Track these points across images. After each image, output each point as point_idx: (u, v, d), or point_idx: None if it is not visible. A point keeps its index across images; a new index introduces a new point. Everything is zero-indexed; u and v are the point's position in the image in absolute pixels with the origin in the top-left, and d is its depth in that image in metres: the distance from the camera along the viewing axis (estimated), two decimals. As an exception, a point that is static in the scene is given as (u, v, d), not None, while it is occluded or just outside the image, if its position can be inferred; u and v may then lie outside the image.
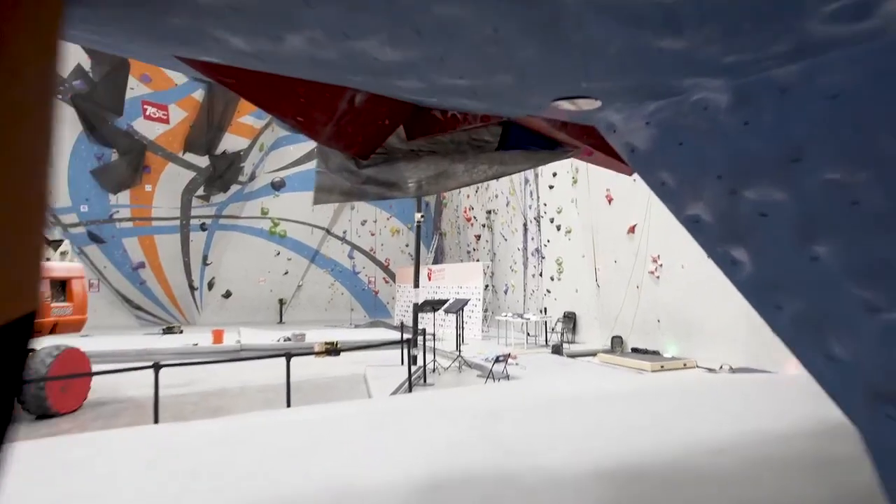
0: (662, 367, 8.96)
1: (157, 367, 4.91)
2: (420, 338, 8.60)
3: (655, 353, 9.92)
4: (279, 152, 18.79)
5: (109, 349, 10.59)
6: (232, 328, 14.91)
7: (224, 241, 18.44)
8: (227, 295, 18.57)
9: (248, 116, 15.81)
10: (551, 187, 13.40)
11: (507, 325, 12.24)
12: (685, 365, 9.10)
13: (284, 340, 12.06)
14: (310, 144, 19.15)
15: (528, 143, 2.35)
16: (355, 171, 2.33)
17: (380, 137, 2.27)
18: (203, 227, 17.83)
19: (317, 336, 12.42)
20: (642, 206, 10.22)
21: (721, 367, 8.17)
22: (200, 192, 17.12)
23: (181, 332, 14.24)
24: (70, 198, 15.60)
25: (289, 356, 5.61)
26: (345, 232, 20.09)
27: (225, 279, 18.54)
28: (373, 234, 20.44)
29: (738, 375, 7.57)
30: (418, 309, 9.14)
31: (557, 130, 2.16)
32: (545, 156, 2.48)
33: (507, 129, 2.39)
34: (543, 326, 12.35)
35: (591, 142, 2.18)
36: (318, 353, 11.10)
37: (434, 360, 9.11)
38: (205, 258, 18.09)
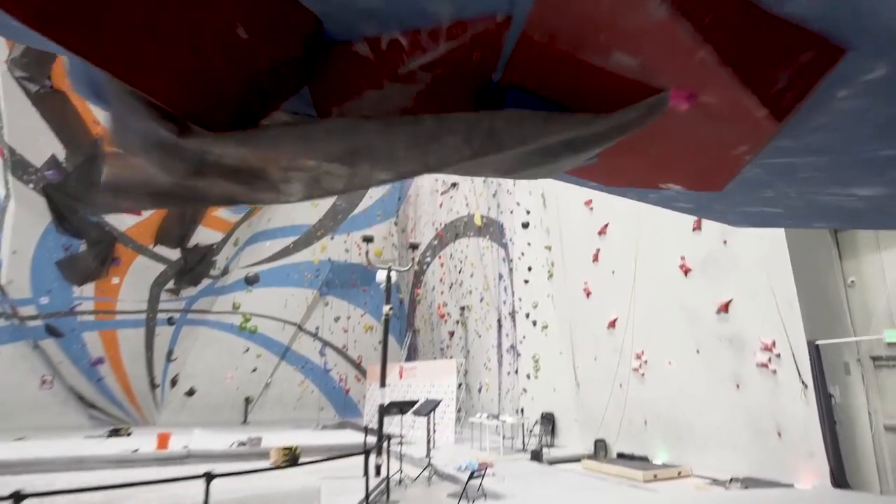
0: (655, 476, 7.46)
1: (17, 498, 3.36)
2: (386, 443, 7.05)
3: (643, 458, 8.42)
4: (255, 247, 17.63)
5: (34, 456, 8.72)
6: (189, 429, 12.97)
7: (192, 336, 16.72)
8: (191, 393, 16.56)
9: (223, 211, 14.80)
10: (526, 282, 12.33)
11: (481, 428, 10.64)
12: (679, 474, 7.61)
13: (238, 445, 10.23)
14: (287, 240, 18.10)
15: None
16: (183, 150, 1.13)
17: (254, 87, 1.14)
18: (170, 322, 16.19)
19: (277, 439, 10.61)
20: (624, 299, 9.13)
21: (731, 482, 6.70)
22: (170, 285, 15.69)
23: (129, 434, 12.22)
24: (31, 289, 14.03)
25: (209, 478, 4.09)
26: (317, 328, 18.54)
27: (190, 376, 16.62)
28: (346, 331, 18.90)
29: (751, 492, 6.14)
30: (384, 411, 7.64)
31: (626, 52, 1.04)
32: (583, 122, 1.21)
33: (503, 93, 1.29)
34: (521, 428, 10.76)
35: (697, 77, 1.06)
36: (274, 462, 9.31)
37: (400, 471, 7.48)
38: (170, 353, 16.28)
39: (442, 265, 17.06)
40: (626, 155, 1.42)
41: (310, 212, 18.58)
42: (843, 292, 6.95)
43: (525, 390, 11.94)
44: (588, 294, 10.20)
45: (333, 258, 18.81)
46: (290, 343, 18.17)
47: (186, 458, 9.49)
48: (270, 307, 17.84)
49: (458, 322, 15.83)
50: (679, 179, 1.65)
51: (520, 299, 12.57)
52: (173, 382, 16.35)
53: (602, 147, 1.22)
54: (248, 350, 17.45)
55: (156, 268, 15.11)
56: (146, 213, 13.83)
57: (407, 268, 12.25)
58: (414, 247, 9.76)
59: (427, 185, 18.25)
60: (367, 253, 9.40)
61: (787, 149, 1.34)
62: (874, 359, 6.61)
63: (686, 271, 8.03)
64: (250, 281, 17.64)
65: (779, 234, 6.67)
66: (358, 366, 18.90)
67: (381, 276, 8.81)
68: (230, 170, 1.21)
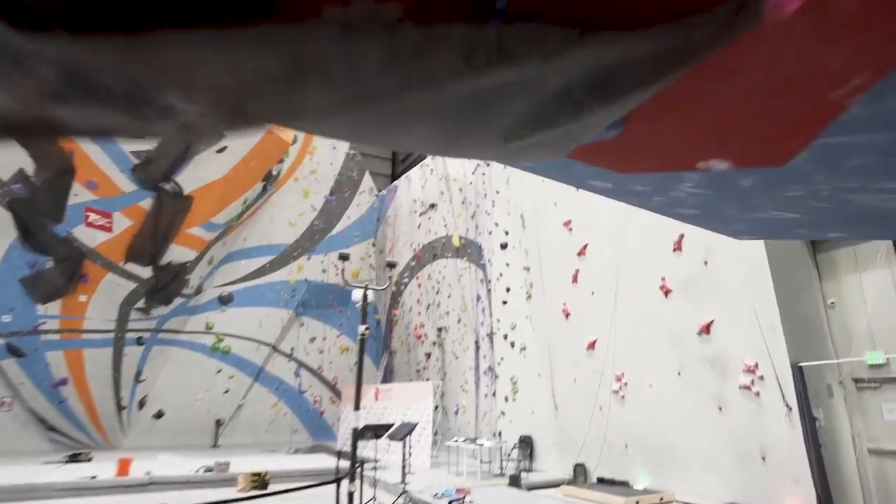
0: (637, 502, 7.11)
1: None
2: (359, 469, 6.57)
3: (624, 483, 8.06)
4: (230, 266, 17.01)
5: (-19, 484, 7.97)
6: (156, 453, 12.20)
7: (162, 357, 15.93)
8: (159, 415, 15.72)
9: (198, 228, 14.24)
10: (505, 303, 12.02)
11: (458, 452, 10.17)
12: (661, 499, 7.27)
13: (205, 471, 9.57)
14: (262, 259, 17.54)
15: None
16: (30, 58, 0.73)
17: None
18: (140, 342, 15.41)
19: (247, 464, 9.99)
20: (604, 321, 8.86)
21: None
22: (141, 304, 14.95)
23: (90, 459, 11.40)
24: (-7, 307, 13.22)
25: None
26: (292, 349, 17.88)
27: (158, 398, 15.79)
28: (321, 352, 18.27)
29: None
30: (358, 436, 7.17)
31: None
32: (634, 39, 0.82)
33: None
34: (498, 452, 10.33)
35: None
36: (241, 489, 8.71)
37: (374, 498, 7.00)
38: (138, 374, 15.46)
39: (419, 286, 16.67)
40: (664, 116, 1.11)
41: (287, 231, 18.07)
42: (823, 314, 6.79)
43: (503, 413, 11.53)
44: (567, 315, 9.93)
45: (310, 278, 18.27)
46: (263, 364, 17.47)
47: (148, 485, 8.81)
48: (245, 327, 17.17)
49: (435, 343, 15.39)
50: (730, 151, 1.34)
51: (498, 320, 12.24)
52: (141, 404, 15.50)
53: (650, 87, 0.90)
54: (220, 371, 16.70)
55: (126, 286, 14.40)
56: (117, 230, 13.21)
57: (384, 286, 11.83)
58: (391, 265, 9.38)
59: (406, 206, 17.95)
60: (342, 271, 8.98)
61: (856, 120, 1.05)
62: (856, 381, 6.42)
63: (666, 292, 7.81)
64: (224, 300, 16.98)
65: (760, 253, 6.49)
66: (333, 387, 18.24)
67: (356, 294, 8.39)
68: (108, 91, 0.85)
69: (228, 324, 16.93)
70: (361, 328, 8.13)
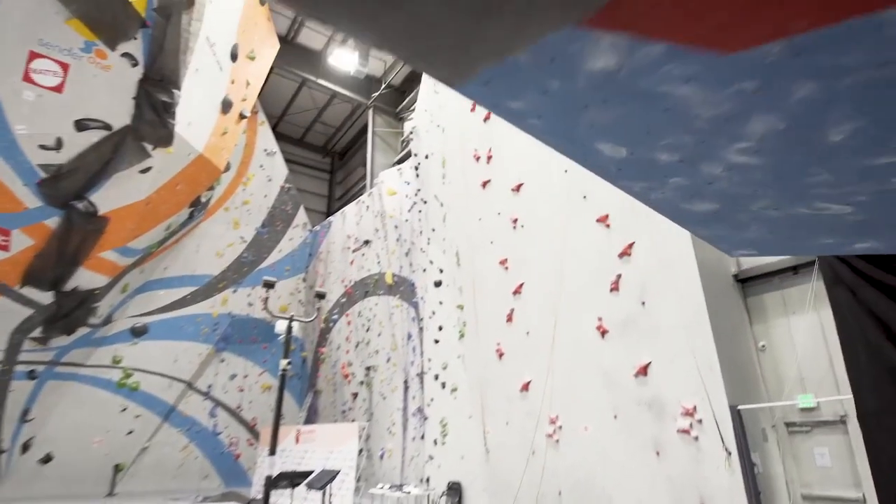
0: (573, 557, 6.37)
1: None
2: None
3: (557, 534, 7.32)
4: (146, 296, 15.19)
5: None
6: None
7: (57, 393, 13.71)
8: (47, 459, 13.37)
9: (111, 252, 12.56)
10: (437, 341, 11.24)
11: (382, 500, 9.07)
12: (597, 552, 6.58)
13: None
14: (184, 290, 15.84)
15: None
16: None
17: None
18: (32, 375, 13.19)
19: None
20: (539, 361, 8.28)
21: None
22: (37, 332, 12.89)
23: (-53, 513, 9.28)
24: None
25: None
26: (209, 386, 16.03)
27: (49, 439, 13.47)
28: (241, 390, 16.52)
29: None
30: (272, 484, 6.03)
31: None
32: None
33: None
34: (426, 500, 9.31)
35: None
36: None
37: (285, 559, 5.84)
38: (25, 413, 13.15)
39: (349, 323, 15.58)
40: None
41: (213, 262, 16.53)
42: (755, 356, 6.54)
43: (431, 457, 10.54)
44: (501, 355, 9.29)
45: (235, 312, 16.68)
46: (176, 402, 15.49)
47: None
48: (158, 362, 15.24)
49: (362, 383, 14.25)
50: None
51: (429, 360, 11.40)
52: (25, 447, 13.13)
53: None
54: (125, 410, 14.59)
55: (20, 312, 12.36)
56: (14, 249, 11.36)
57: (311, 318, 10.74)
58: (320, 296, 8.47)
59: (339, 242, 16.99)
60: (266, 300, 7.95)
61: None
62: (788, 425, 6.12)
63: (603, 333, 7.37)
64: (137, 332, 15.06)
65: (698, 293, 6.19)
66: (251, 428, 16.44)
67: (280, 326, 7.40)
68: None
69: (139, 358, 14.96)
70: (283, 363, 7.11)
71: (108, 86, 10.41)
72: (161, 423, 15.11)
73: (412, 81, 18.40)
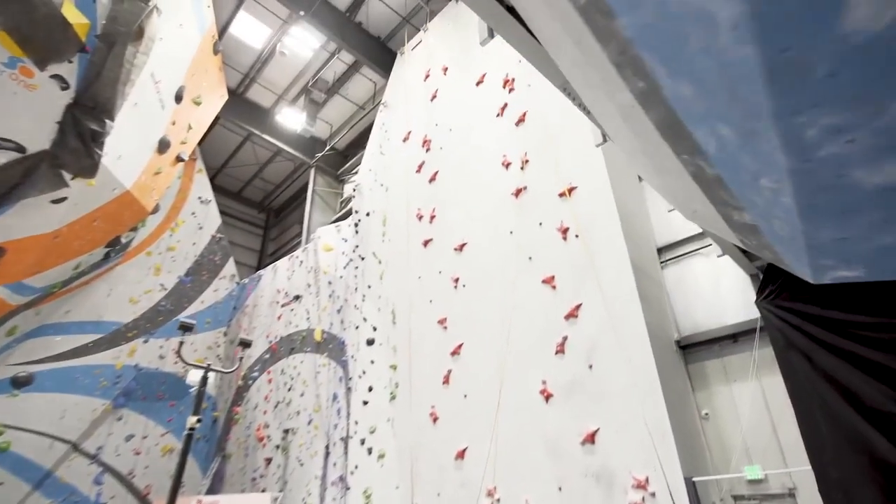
0: None
1: None
2: None
3: None
4: (38, 341, 12.68)
5: None
6: None
7: None
8: None
9: (2, 288, 10.40)
10: (365, 403, 9.96)
11: (293, 587, 7.39)
12: None
13: None
14: (86, 337, 13.45)
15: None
16: None
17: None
18: None
19: None
20: (476, 427, 7.34)
21: None
22: None
23: None
24: None
25: None
26: (99, 448, 13.30)
27: None
28: (137, 453, 13.85)
29: None
30: (158, 574, 4.53)
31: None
32: None
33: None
34: (341, 586, 7.71)
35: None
36: None
37: None
38: None
39: (270, 381, 13.79)
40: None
41: (125, 309, 14.31)
42: (699, 425, 6.05)
43: (350, 533, 8.97)
44: (435, 419, 8.25)
45: (142, 364, 14.33)
46: (54, 467, 12.62)
47: None
48: (39, 419, 12.50)
49: (278, 447, 12.37)
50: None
51: (356, 423, 10.04)
52: None
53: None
54: (-14, 475, 11.62)
55: None
56: None
57: (232, 369, 9.20)
58: (246, 344, 7.18)
59: (268, 296, 15.44)
60: (180, 345, 6.58)
61: None
62: (735, 498, 5.57)
63: (547, 397, 6.65)
64: (19, 383, 12.36)
65: (647, 356, 5.70)
66: (143, 498, 13.64)
67: (194, 376, 6.04)
68: None
69: (17, 413, 12.19)
70: (192, 419, 5.71)
71: (29, 106, 8.95)
72: (30, 492, 12.12)
73: (355, 147, 18.00)
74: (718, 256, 5.65)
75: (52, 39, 8.78)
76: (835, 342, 4.38)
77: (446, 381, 8.32)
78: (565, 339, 6.67)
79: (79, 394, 13.13)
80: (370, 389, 9.97)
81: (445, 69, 11.36)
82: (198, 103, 12.72)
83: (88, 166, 9.82)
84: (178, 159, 12.77)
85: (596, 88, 2.03)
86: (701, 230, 6.96)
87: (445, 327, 8.77)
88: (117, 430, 13.64)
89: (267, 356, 14.31)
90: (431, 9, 13.14)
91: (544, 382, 6.72)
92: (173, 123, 11.88)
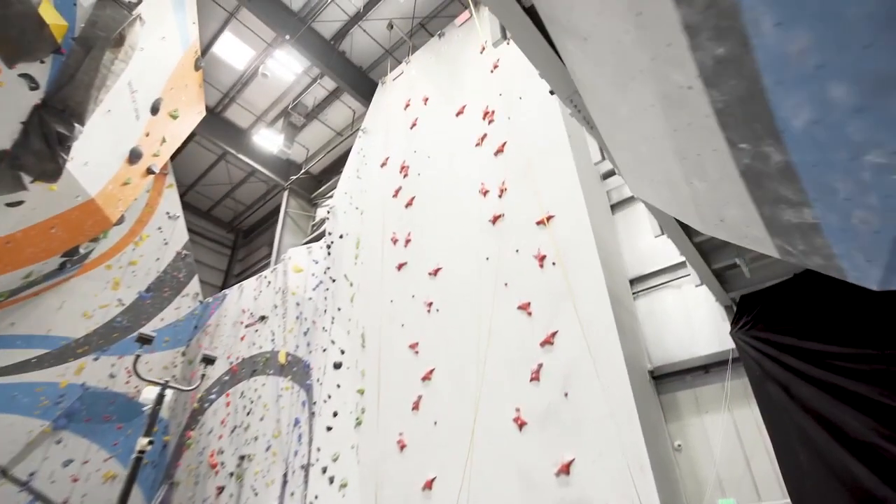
0: None
1: None
2: None
3: None
4: (-25, 355, 11.45)
5: None
6: None
7: None
8: None
9: (-60, 294, 9.37)
10: (329, 429, 9.32)
11: None
12: None
13: None
14: (30, 352, 12.24)
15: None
16: None
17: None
18: None
19: None
20: (446, 456, 6.90)
21: None
22: None
23: None
24: None
25: None
26: (32, 474, 11.90)
27: None
28: (75, 480, 12.49)
29: None
30: None
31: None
32: None
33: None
34: None
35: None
36: None
37: None
38: None
39: (228, 404, 12.86)
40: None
41: (78, 323, 13.18)
42: (672, 457, 5.84)
43: (305, 569, 8.19)
44: (402, 447, 7.74)
45: (90, 383, 13.13)
46: (-23, 494, 11.20)
47: None
48: (-32, 440, 11.16)
49: (232, 474, 11.41)
50: None
51: (318, 449, 9.36)
52: None
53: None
54: None
55: None
56: None
57: (193, 386, 8.46)
58: (209, 361, 6.58)
59: (232, 316, 14.60)
60: (136, 358, 5.94)
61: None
62: (709, 534, 5.33)
63: (521, 425, 6.32)
64: (-51, 399, 11.05)
65: (624, 385, 5.50)
66: (76, 530, 12.25)
67: (148, 394, 5.43)
68: None
69: (-58, 432, 10.84)
70: (142, 441, 5.09)
71: (-8, 104, 8.29)
72: (-52, 522, 10.68)
73: (330, 172, 17.69)
74: (696, 286, 5.59)
75: (25, 38, 8.23)
76: (813, 373, 4.28)
77: (416, 407, 7.87)
78: (540, 366, 6.42)
79: (15, 413, 11.83)
80: (335, 415, 9.36)
81: (426, 99, 11.34)
82: (174, 117, 12.20)
83: (51, 170, 9.12)
84: (149, 171, 12.11)
85: (630, 81, 1.85)
86: (672, 263, 6.95)
87: (417, 352, 8.38)
88: (55, 455, 12.30)
89: (227, 378, 13.39)
90: (414, 43, 13.24)
91: (518, 410, 6.41)
92: (147, 135, 11.29)
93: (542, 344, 6.51)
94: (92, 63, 8.74)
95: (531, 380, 6.44)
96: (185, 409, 14.23)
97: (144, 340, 5.87)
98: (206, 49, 13.50)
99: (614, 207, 8.38)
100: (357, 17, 12.97)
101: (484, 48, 10.25)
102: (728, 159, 1.59)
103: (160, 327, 14.94)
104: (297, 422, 10.52)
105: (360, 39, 13.74)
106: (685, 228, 4.26)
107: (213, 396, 13.52)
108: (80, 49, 8.56)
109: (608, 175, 8.71)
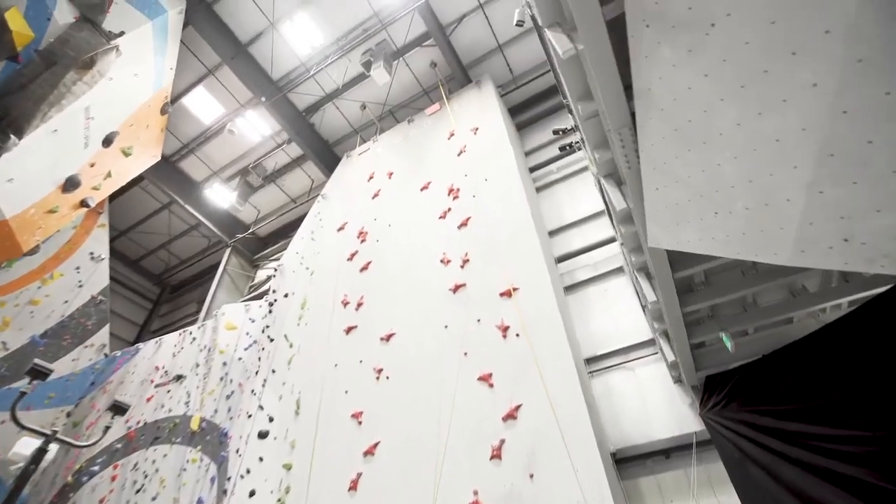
0: None
1: None
2: None
3: None
4: None
5: None
6: None
7: None
8: None
9: None
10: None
11: None
12: None
13: None
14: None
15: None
16: None
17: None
18: None
19: None
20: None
21: None
22: None
23: None
24: None
25: None
26: None
27: None
28: None
29: None
30: None
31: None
32: None
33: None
34: None
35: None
36: None
37: None
38: None
39: (115, 478, 10.23)
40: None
41: (-60, 367, 10.34)
42: (640, 552, 5.08)
43: None
44: (333, 533, 6.28)
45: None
46: None
47: None
48: None
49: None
50: None
51: (224, 536, 7.42)
52: None
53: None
54: None
55: None
56: None
57: (91, 442, 6.51)
58: (119, 410, 5.08)
59: (141, 374, 12.24)
60: (19, 397, 4.42)
61: None
62: None
63: (479, 509, 5.33)
64: None
65: (597, 466, 4.84)
66: None
67: (22, 447, 3.98)
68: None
69: None
70: None
71: (-87, 98, 6.89)
72: None
73: (277, 236, 16.62)
74: (670, 362, 5.27)
75: (-21, 40, 7.17)
76: (799, 456, 3.91)
77: (353, 486, 6.55)
78: (502, 442, 5.62)
79: None
80: (252, 494, 7.60)
81: (391, 174, 11.15)
82: (127, 154, 10.97)
83: (-35, 180, 7.57)
84: (83, 204, 10.50)
85: (772, 65, 1.55)
86: (624, 345, 6.70)
87: (360, 422, 7.20)
88: None
89: (119, 446, 10.82)
90: (382, 126, 13.37)
91: (476, 493, 5.43)
92: (92, 165, 9.95)
93: (505, 418, 5.76)
94: (51, 78, 7.71)
95: (492, 457, 5.58)
96: (54, 483, 11.15)
97: (38, 374, 4.41)
98: (175, 98, 12.73)
99: (566, 290, 8.25)
100: (334, 94, 12.99)
101: (453, 134, 10.44)
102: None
103: (46, 381, 12.09)
104: (199, 502, 8.44)
105: (331, 115, 13.68)
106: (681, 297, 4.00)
107: (95, 468, 10.75)
108: (41, 62, 7.57)
109: (561, 260, 8.70)
